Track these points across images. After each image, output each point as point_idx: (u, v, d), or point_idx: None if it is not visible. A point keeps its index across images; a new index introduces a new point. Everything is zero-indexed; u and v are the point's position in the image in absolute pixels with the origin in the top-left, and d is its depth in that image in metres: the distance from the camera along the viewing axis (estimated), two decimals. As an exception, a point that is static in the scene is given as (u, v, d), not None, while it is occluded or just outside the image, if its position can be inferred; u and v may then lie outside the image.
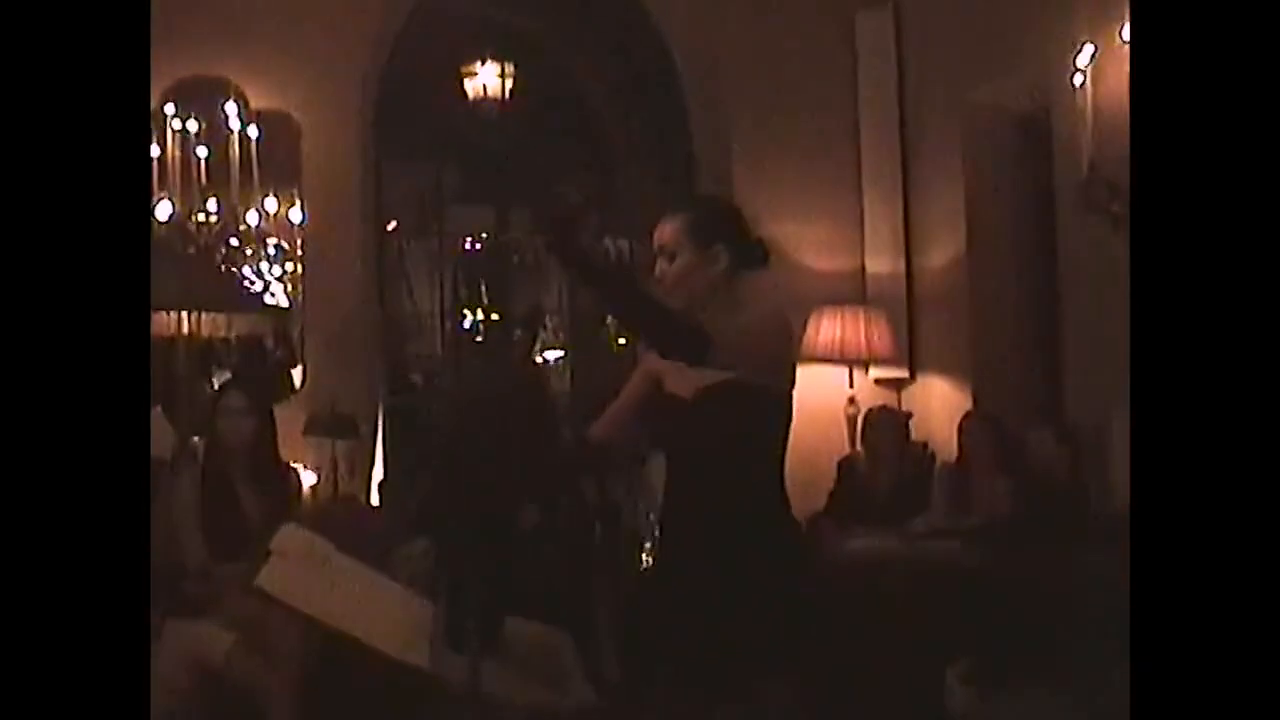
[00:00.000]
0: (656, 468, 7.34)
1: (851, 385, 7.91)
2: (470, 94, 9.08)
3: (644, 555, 6.68)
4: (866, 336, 7.79)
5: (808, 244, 8.08)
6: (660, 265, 3.40)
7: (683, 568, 3.30)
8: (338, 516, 6.90)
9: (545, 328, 10.96)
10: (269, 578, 3.75)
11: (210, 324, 7.98)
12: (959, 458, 6.84)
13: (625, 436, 3.51)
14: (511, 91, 9.09)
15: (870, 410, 7.46)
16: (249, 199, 7.74)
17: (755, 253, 3.47)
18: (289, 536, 4.01)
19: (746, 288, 3.47)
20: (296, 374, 8.25)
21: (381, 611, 3.97)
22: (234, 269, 8.09)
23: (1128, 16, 6.09)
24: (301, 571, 3.84)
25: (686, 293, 3.37)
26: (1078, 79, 6.24)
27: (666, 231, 3.40)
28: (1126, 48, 6.12)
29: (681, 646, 3.26)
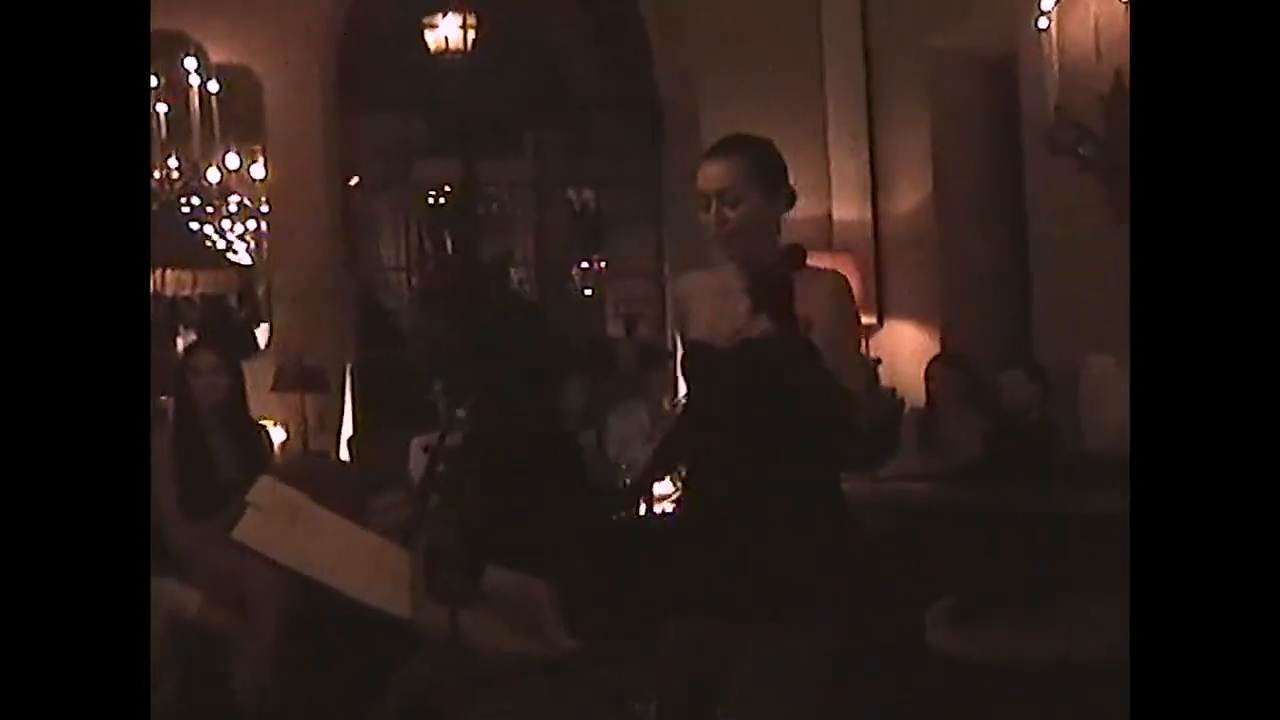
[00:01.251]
0: (620, 419, 7.37)
1: (820, 332, 7.92)
2: (432, 46, 9.00)
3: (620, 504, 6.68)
4: (834, 283, 7.79)
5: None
6: (719, 212, 3.14)
7: (715, 518, 3.09)
8: (309, 472, 6.89)
9: (512, 273, 10.95)
10: (246, 530, 3.73)
11: (175, 282, 7.92)
12: (927, 401, 6.87)
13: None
14: (474, 42, 9.02)
15: (838, 357, 7.46)
16: (210, 155, 7.67)
17: (791, 194, 3.31)
18: (265, 489, 3.98)
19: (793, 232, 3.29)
20: (260, 332, 8.21)
21: (360, 562, 3.96)
22: (196, 226, 8.03)
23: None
24: (279, 523, 3.82)
25: (752, 238, 3.15)
26: (1042, 22, 6.25)
27: (727, 176, 3.14)
28: (1091, -10, 6.15)
29: (697, 595, 3.12)
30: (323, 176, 8.24)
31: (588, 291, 12.11)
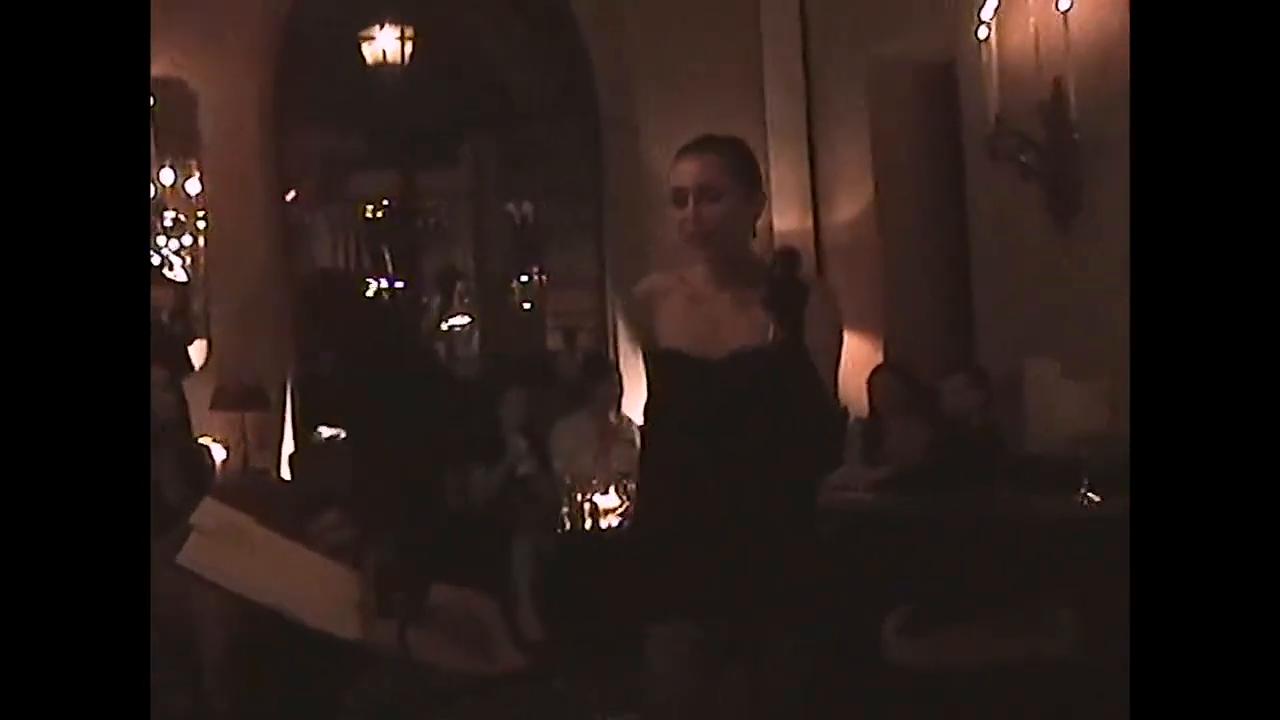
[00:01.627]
0: (566, 432, 7.33)
1: (761, 343, 7.90)
2: (369, 58, 8.95)
3: (564, 519, 6.64)
4: (775, 294, 7.78)
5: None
6: (697, 209, 3.00)
7: (698, 530, 2.95)
8: (250, 491, 6.81)
9: (457, 290, 10.90)
10: (191, 554, 3.67)
11: (110, 299, 7.80)
12: (870, 410, 6.88)
13: None
14: (411, 54, 8.98)
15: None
16: (145, 170, 7.58)
17: (763, 198, 3.22)
18: (209, 511, 3.92)
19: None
20: (194, 349, 8.11)
21: (306, 585, 3.90)
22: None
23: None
24: (223, 547, 3.76)
25: (731, 238, 3.03)
26: (982, 31, 6.27)
27: (707, 171, 3.03)
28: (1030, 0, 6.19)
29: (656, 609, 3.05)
30: (259, 191, 8.15)
31: (527, 305, 12.09)
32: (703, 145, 3.11)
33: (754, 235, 3.13)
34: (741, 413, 2.95)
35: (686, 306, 3.08)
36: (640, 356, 3.25)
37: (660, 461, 3.10)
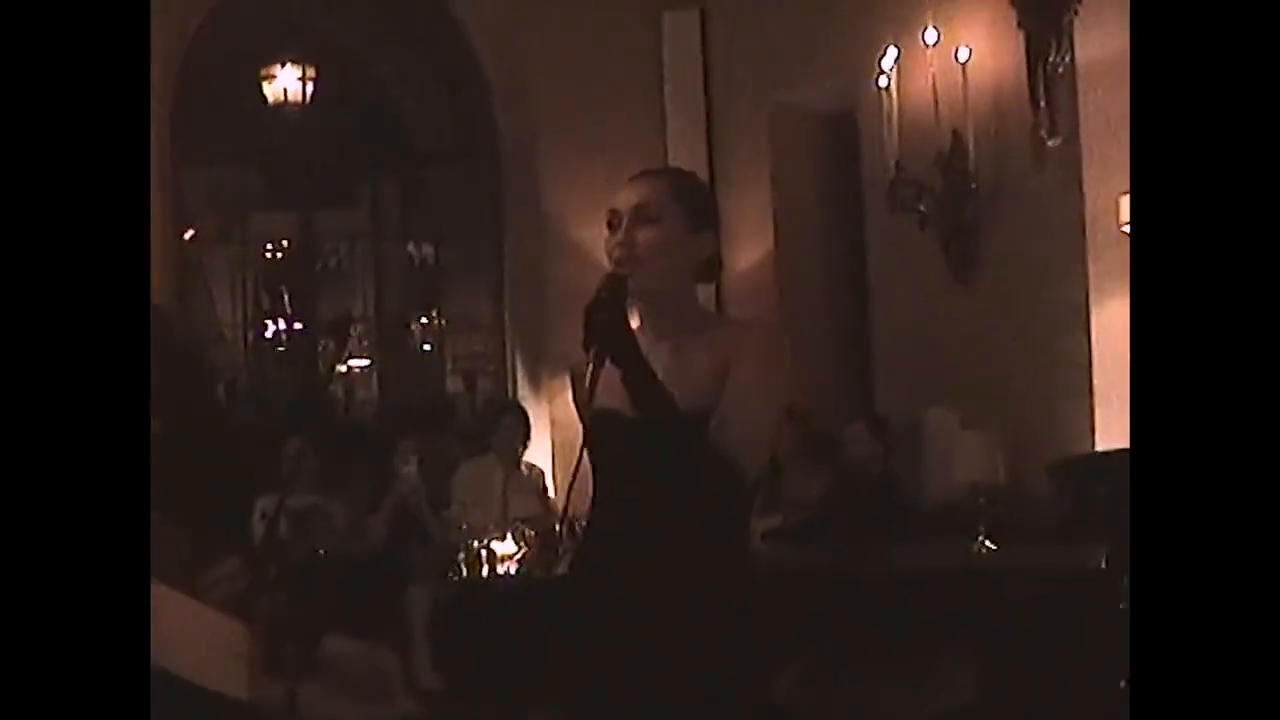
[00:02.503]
0: (464, 478, 7.24)
1: (661, 389, 7.88)
2: (270, 97, 8.86)
3: (460, 565, 6.55)
4: (674, 340, 7.78)
5: (615, 246, 8.03)
6: (628, 231, 2.69)
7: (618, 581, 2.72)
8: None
9: (353, 335, 10.77)
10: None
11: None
12: (769, 456, 6.86)
13: None
14: (313, 95, 8.90)
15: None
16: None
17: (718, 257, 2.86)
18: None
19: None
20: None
21: (194, 639, 3.79)
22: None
23: (930, 19, 6.24)
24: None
25: (665, 263, 2.69)
26: (882, 80, 6.33)
27: (646, 191, 2.73)
28: (929, 50, 6.25)
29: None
30: (156, 230, 8.01)
31: (427, 346, 12.01)
32: (650, 171, 2.88)
33: (702, 282, 2.80)
34: (673, 469, 2.69)
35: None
36: (572, 409, 3.02)
37: (596, 521, 2.93)
